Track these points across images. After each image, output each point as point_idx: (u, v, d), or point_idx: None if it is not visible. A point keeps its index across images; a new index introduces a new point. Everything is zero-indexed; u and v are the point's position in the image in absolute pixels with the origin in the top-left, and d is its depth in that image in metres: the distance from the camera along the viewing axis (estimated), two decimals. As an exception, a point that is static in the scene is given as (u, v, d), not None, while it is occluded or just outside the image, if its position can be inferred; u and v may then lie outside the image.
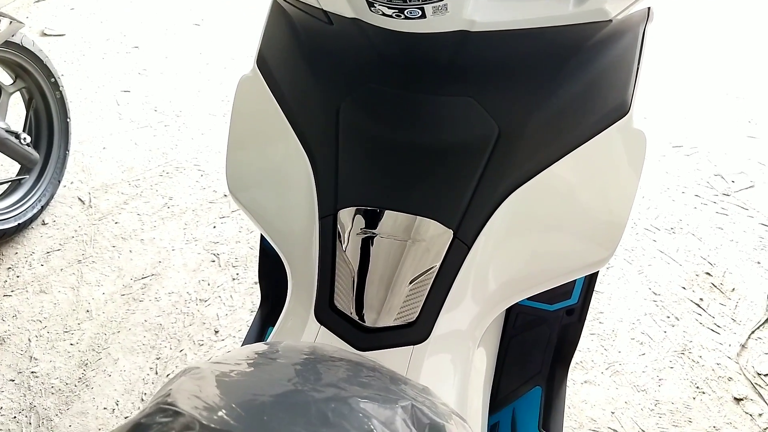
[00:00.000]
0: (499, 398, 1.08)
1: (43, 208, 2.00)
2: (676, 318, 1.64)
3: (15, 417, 1.50)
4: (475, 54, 0.69)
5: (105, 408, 1.51)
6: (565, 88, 0.69)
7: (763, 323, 1.62)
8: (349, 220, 0.72)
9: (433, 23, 0.62)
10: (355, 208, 0.71)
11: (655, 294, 1.71)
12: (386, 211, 0.70)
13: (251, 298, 1.74)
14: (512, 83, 0.69)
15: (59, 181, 2.06)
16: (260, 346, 0.61)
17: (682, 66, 2.69)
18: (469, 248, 0.70)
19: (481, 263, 0.72)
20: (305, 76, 0.75)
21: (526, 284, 0.75)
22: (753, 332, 1.60)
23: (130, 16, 3.30)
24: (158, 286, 1.79)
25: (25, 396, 1.54)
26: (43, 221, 2.01)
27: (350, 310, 0.72)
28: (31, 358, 1.63)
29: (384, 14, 0.62)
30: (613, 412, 1.45)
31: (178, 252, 1.89)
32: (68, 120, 2.07)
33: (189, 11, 3.32)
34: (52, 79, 1.97)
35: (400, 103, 0.69)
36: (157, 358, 1.61)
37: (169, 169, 2.21)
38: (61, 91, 2.02)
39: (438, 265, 0.70)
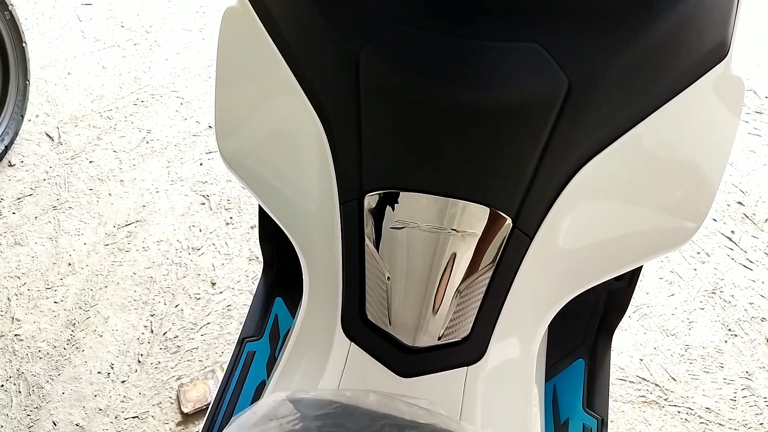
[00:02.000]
0: (539, 374, 0.98)
1: (7, 147, 1.80)
2: (707, 254, 1.54)
3: (2, 385, 1.39)
4: None
5: (99, 372, 1.40)
6: (654, 27, 0.52)
7: (798, 256, 1.53)
8: (378, 206, 0.56)
9: None
10: (386, 192, 0.56)
11: (684, 227, 1.59)
12: (426, 196, 0.54)
13: (248, 244, 1.60)
14: (588, 22, 0.52)
15: (22, 116, 1.84)
16: (276, 411, 0.47)
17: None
18: (532, 239, 0.56)
19: (546, 256, 0.58)
20: (311, 12, 0.57)
21: (596, 273, 0.62)
22: (787, 267, 1.51)
23: None
24: (145, 234, 1.63)
25: (10, 362, 1.43)
26: (10, 162, 1.81)
27: (386, 324, 0.58)
28: (13, 319, 1.50)
29: None
30: (641, 359, 1.37)
31: (163, 194, 1.72)
32: (24, 44, 1.81)
33: None
34: (-1, -3, 1.70)
35: (440, 50, 0.52)
36: (152, 315, 1.49)
37: (144, 96, 1.98)
38: (11, 11, 1.74)
39: (494, 263, 0.56)
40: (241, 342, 1.03)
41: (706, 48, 0.55)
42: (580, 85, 0.51)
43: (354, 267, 0.59)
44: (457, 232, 0.55)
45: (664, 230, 0.60)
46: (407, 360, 0.58)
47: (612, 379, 1.34)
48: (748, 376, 1.34)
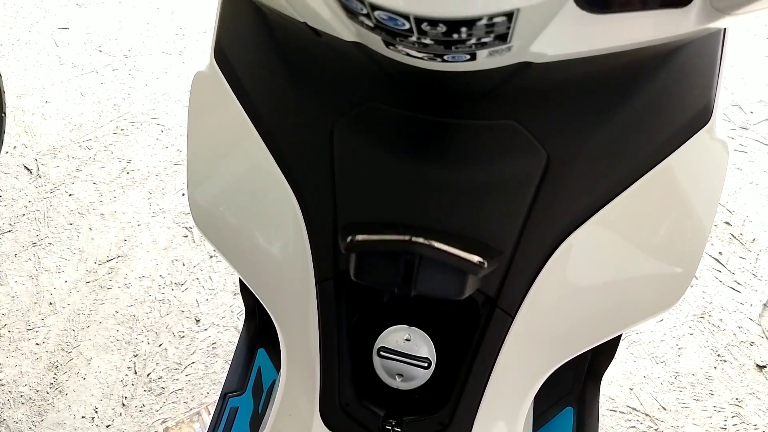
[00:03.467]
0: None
1: (-16, 182, 1.76)
2: (695, 277, 1.53)
3: (-16, 433, 1.37)
4: (529, 81, 0.50)
5: (83, 417, 1.38)
6: (634, 99, 0.51)
7: (785, 277, 1.52)
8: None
9: (485, 64, 0.42)
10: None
11: (671, 250, 1.58)
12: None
13: (233, 278, 1.58)
14: (566, 101, 0.50)
15: (-1, 149, 1.81)
16: None
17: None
18: (513, 318, 0.55)
19: (529, 333, 0.56)
20: (282, 83, 0.55)
21: (582, 343, 0.61)
22: (775, 288, 1.50)
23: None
24: (127, 270, 1.61)
25: (-8, 409, 1.40)
26: (-13, 197, 1.78)
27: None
28: (-6, 363, 1.47)
29: (409, 54, 0.42)
30: (631, 389, 1.36)
31: (145, 227, 1.69)
32: (-2, 76, 1.78)
33: None
34: (-29, 30, 1.66)
35: (416, 127, 0.50)
36: (135, 355, 1.46)
37: (124, 124, 1.95)
38: (-17, 43, 1.71)
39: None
40: (224, 397, 1.01)
41: (689, 115, 0.54)
42: (560, 160, 0.50)
43: (332, 350, 0.57)
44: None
45: (650, 297, 0.59)
46: (388, 453, 0.57)
47: (602, 411, 1.33)
48: (737, 403, 1.34)
